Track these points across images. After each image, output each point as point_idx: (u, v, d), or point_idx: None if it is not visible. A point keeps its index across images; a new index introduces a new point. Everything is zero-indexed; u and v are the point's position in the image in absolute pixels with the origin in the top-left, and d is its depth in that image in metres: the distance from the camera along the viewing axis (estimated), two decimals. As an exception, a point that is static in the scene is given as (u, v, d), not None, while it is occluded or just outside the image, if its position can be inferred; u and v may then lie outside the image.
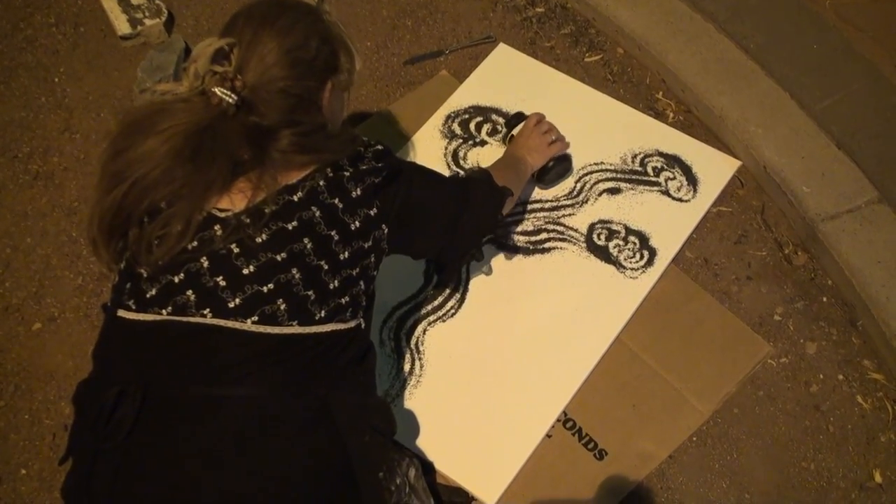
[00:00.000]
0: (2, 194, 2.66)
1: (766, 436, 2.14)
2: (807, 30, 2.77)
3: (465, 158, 2.56)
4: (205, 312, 1.48)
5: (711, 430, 2.14)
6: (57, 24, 3.09)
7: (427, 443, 2.09)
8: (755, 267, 2.39)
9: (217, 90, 1.52)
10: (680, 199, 2.45)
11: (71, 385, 2.28)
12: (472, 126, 2.65)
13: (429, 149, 2.59)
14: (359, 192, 1.60)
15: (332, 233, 1.57)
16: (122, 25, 2.96)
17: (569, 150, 2.50)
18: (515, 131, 2.42)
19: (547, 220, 2.42)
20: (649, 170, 2.51)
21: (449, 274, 2.34)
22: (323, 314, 1.54)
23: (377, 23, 2.97)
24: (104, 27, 3.05)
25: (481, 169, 2.11)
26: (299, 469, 1.47)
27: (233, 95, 1.52)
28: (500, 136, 2.55)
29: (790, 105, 2.59)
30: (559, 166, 2.45)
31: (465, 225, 1.90)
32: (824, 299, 2.34)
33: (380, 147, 1.67)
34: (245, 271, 1.50)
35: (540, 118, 2.42)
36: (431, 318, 2.28)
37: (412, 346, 2.24)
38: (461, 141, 2.61)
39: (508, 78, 2.76)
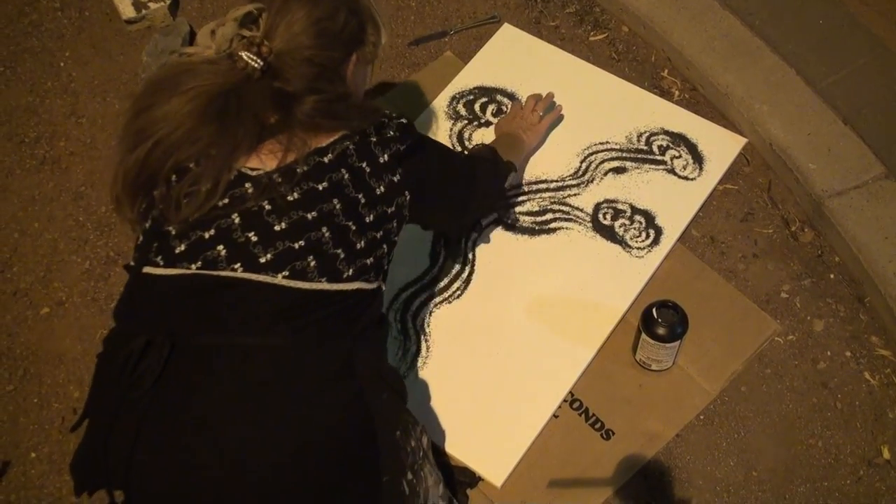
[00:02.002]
0: (9, 179, 2.67)
1: (774, 413, 2.14)
2: (812, 5, 2.75)
3: (470, 139, 2.56)
4: (235, 267, 1.51)
5: (719, 408, 2.14)
6: (62, 9, 3.09)
7: (434, 424, 2.10)
8: (762, 244, 2.38)
9: (244, 54, 1.56)
10: (686, 178, 2.45)
11: (79, 368, 2.31)
12: (476, 107, 2.64)
13: (434, 130, 2.59)
14: (385, 158, 1.64)
15: (360, 196, 1.60)
16: (126, 9, 2.97)
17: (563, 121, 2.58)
18: (642, 348, 2.15)
19: (552, 200, 2.42)
20: (655, 148, 2.50)
21: (453, 248, 2.38)
22: (350, 272, 1.57)
23: (381, 4, 2.96)
24: (109, 11, 3.05)
25: (486, 146, 2.22)
26: (323, 420, 1.50)
27: (258, 60, 1.56)
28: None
29: (796, 81, 2.58)
30: None
31: (475, 199, 2.04)
32: (831, 276, 2.33)
33: (403, 120, 1.71)
34: (277, 228, 1.52)
35: (526, 100, 2.53)
36: (437, 299, 2.29)
37: (418, 327, 2.24)
38: (466, 122, 2.61)
39: (513, 58, 2.75)
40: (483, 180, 2.05)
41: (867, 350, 2.22)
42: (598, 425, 2.10)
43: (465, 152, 2.40)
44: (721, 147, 2.51)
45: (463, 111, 2.63)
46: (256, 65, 1.56)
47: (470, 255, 2.35)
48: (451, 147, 2.54)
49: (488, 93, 2.67)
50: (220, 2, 3.06)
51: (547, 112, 2.52)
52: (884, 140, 2.44)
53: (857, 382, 2.18)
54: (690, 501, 2.05)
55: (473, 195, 2.00)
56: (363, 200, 1.60)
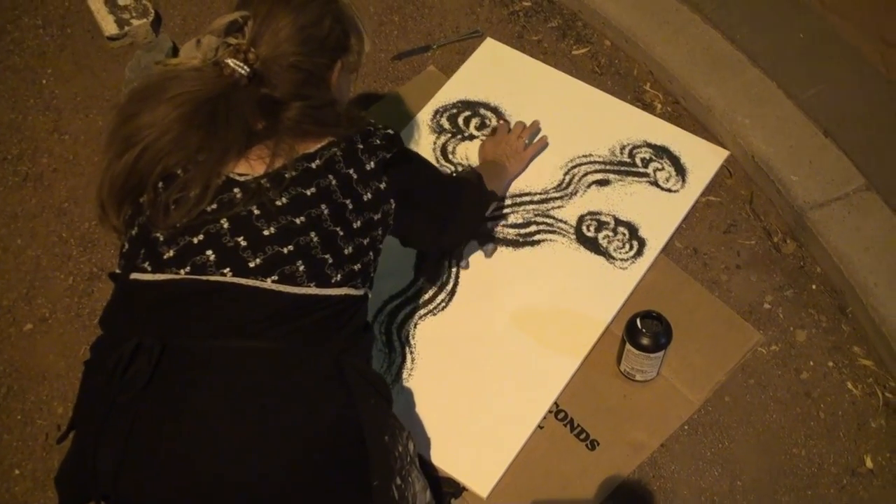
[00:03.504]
0: (-9, 196, 2.67)
1: (758, 423, 2.14)
2: (792, 19, 2.77)
3: (453, 153, 2.57)
4: (225, 271, 1.52)
5: (703, 418, 2.15)
6: (44, 26, 3.09)
7: (420, 435, 2.09)
8: (744, 256, 2.39)
9: (230, 61, 1.58)
10: (669, 190, 2.46)
11: (63, 385, 2.30)
12: (460, 120, 2.65)
13: (418, 144, 2.60)
14: (372, 165, 1.66)
15: (347, 202, 1.62)
16: (108, 26, 2.96)
17: (547, 146, 2.58)
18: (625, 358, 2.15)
19: (536, 212, 2.43)
20: (638, 161, 2.52)
21: (431, 271, 2.37)
22: (339, 278, 1.59)
23: (364, 18, 2.93)
24: (91, 28, 3.06)
25: (472, 170, 2.24)
26: (313, 425, 1.51)
27: (245, 67, 1.58)
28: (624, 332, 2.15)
29: (777, 94, 2.60)
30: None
31: (456, 221, 2.05)
32: (813, 287, 2.34)
33: (390, 131, 1.73)
34: (266, 232, 1.54)
35: (512, 126, 2.56)
36: (422, 311, 2.29)
37: (403, 339, 2.24)
38: (450, 135, 2.61)
39: (496, 72, 2.76)
40: (467, 202, 2.08)
41: (849, 360, 2.23)
42: (582, 436, 2.10)
43: (454, 173, 2.45)
44: (703, 159, 2.53)
45: (446, 125, 2.64)
46: (243, 72, 1.57)
47: (454, 268, 2.35)
48: (436, 160, 2.56)
49: (471, 106, 2.68)
50: (203, 17, 3.06)
51: (532, 139, 2.56)
52: (864, 152, 2.45)
53: (839, 392, 2.19)
54: (676, 512, 2.05)
55: (456, 214, 2.02)
56: (350, 206, 1.62)
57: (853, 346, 2.25)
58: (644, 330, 2.07)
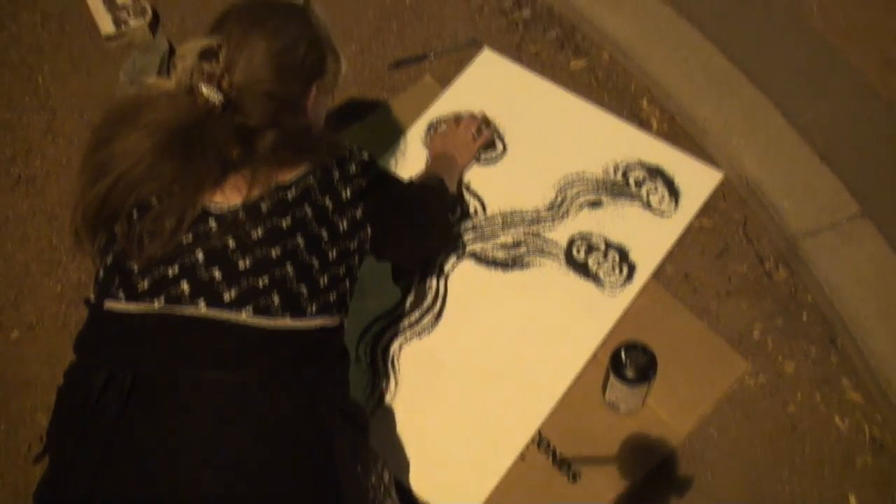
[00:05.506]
0: (-17, 198, 2.67)
1: (742, 457, 2.13)
2: (793, 37, 2.74)
3: (445, 168, 2.54)
4: (199, 304, 1.51)
5: (687, 451, 2.13)
6: (43, 22, 3.09)
7: (400, 460, 2.08)
8: (735, 282, 2.37)
9: (204, 89, 1.56)
10: (661, 213, 2.43)
11: (48, 395, 2.26)
12: (453, 135, 2.62)
13: (408, 158, 2.58)
14: (348, 195, 1.66)
15: (322, 232, 1.62)
16: (105, 25, 2.96)
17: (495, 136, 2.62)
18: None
19: (526, 232, 2.41)
20: (631, 181, 2.49)
21: (406, 282, 2.37)
22: (314, 309, 1.59)
23: (362, 25, 2.95)
24: (89, 26, 3.06)
25: (432, 174, 2.27)
26: (285, 457, 1.50)
27: (219, 95, 1.56)
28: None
29: (774, 115, 2.56)
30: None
31: (432, 231, 2.13)
32: (804, 316, 2.32)
33: (365, 156, 1.74)
34: (241, 265, 1.54)
35: (458, 116, 2.60)
36: (408, 333, 2.27)
37: (387, 362, 2.23)
38: (442, 150, 2.59)
39: (492, 85, 2.73)
40: (435, 214, 2.12)
41: (837, 393, 2.20)
42: (564, 467, 2.09)
43: (413, 181, 2.39)
44: (697, 181, 2.50)
45: (439, 139, 2.61)
46: (217, 99, 1.56)
47: (442, 289, 2.34)
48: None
49: (466, 121, 2.65)
50: (201, 17, 3.04)
51: (480, 132, 2.57)
52: (860, 177, 2.42)
53: (826, 426, 2.16)
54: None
55: (429, 228, 2.07)
56: (326, 237, 1.62)
57: (842, 378, 2.23)
58: (628, 362, 2.05)
